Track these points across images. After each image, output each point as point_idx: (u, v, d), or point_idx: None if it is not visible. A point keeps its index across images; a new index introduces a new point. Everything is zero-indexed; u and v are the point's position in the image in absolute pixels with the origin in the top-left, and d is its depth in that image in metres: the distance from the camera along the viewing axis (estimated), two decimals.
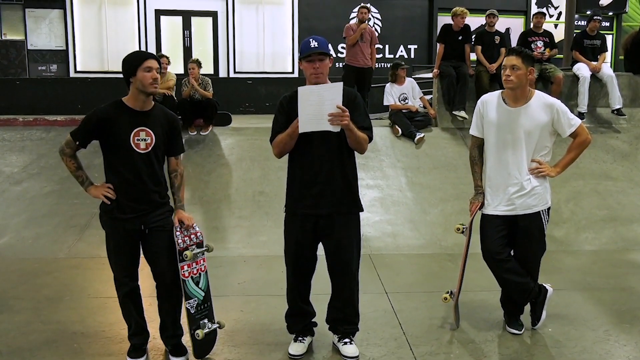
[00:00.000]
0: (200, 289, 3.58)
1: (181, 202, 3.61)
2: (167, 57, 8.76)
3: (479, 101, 3.93)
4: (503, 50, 8.72)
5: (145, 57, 3.34)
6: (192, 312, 3.53)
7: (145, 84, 3.30)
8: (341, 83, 3.25)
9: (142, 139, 3.36)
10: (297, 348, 3.62)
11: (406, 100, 8.61)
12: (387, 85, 8.71)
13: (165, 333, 3.61)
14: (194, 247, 3.54)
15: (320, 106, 3.20)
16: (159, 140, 3.41)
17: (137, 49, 14.60)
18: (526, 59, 3.66)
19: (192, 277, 3.53)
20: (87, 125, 3.37)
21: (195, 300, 3.54)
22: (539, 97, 3.75)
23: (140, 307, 3.59)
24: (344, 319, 3.64)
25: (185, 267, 3.49)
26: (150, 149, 3.38)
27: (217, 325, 3.65)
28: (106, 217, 3.44)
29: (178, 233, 3.49)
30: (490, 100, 3.83)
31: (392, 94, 8.59)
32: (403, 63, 8.84)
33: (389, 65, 14.89)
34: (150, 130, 3.38)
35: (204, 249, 3.62)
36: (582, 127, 3.76)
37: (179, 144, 3.60)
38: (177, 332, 3.62)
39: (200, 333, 3.51)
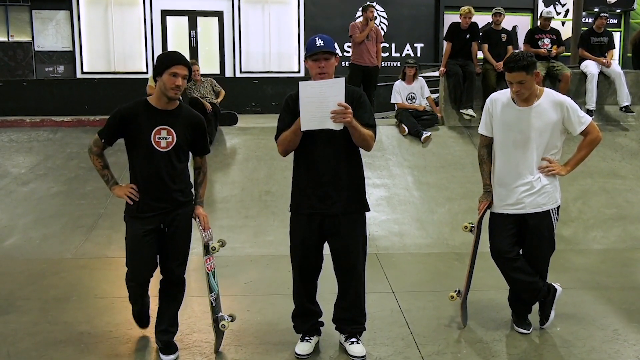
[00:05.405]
0: (216, 283, 3.65)
1: (201, 199, 3.66)
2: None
3: (487, 100, 3.89)
4: (510, 48, 8.68)
5: (175, 62, 3.33)
6: (214, 305, 3.60)
7: (167, 87, 3.32)
8: (343, 78, 3.22)
9: (163, 138, 3.38)
10: (303, 348, 3.61)
11: (414, 100, 8.58)
12: (397, 82, 8.69)
13: (160, 327, 3.62)
14: (208, 242, 3.61)
15: (322, 103, 3.17)
16: (180, 139, 3.42)
17: (144, 49, 14.71)
18: (530, 68, 3.54)
19: (211, 271, 3.60)
20: (111, 123, 3.42)
21: (215, 294, 3.61)
22: (549, 95, 3.70)
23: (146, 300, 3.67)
24: (351, 318, 3.62)
25: (208, 261, 3.57)
26: (170, 147, 3.39)
27: (231, 318, 3.68)
28: (128, 216, 3.48)
29: (201, 227, 3.56)
30: (500, 99, 3.79)
31: (400, 92, 8.57)
32: (411, 62, 8.72)
33: (395, 64, 14.79)
34: (171, 129, 3.39)
35: (219, 243, 3.67)
36: (592, 125, 3.72)
37: (204, 144, 3.63)
38: (172, 329, 3.65)
39: (226, 324, 3.58)
